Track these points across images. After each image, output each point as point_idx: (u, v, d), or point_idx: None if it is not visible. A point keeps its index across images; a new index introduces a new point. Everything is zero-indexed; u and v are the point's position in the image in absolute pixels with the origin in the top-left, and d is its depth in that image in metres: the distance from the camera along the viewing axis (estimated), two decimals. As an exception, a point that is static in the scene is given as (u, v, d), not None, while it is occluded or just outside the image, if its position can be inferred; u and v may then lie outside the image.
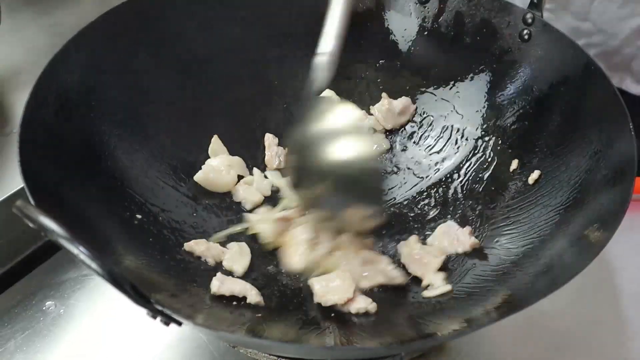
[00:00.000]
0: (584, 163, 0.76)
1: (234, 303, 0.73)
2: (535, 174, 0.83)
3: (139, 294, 0.54)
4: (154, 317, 0.57)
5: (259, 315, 0.72)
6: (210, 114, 0.92)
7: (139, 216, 0.77)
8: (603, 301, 0.86)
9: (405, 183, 0.94)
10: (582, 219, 0.70)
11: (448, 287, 0.77)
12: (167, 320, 0.57)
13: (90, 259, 0.52)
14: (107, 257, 0.63)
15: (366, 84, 1.00)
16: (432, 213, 0.89)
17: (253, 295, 0.74)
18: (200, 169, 0.88)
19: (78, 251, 0.51)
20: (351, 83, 1.00)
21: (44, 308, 0.83)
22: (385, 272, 0.79)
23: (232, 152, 0.93)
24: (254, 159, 0.94)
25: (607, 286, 0.88)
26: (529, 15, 0.88)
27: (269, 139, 0.95)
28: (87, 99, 0.79)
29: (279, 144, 0.95)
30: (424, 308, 0.75)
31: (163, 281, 0.71)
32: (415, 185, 0.93)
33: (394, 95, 0.98)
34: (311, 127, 0.82)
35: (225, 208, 0.88)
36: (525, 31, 0.88)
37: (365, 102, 1.00)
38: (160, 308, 0.56)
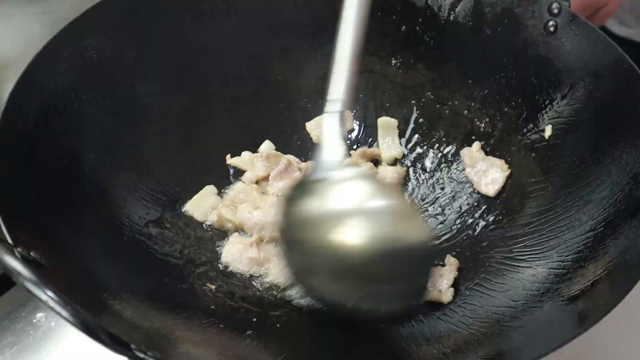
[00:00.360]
0: (616, 179, 0.71)
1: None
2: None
3: (117, 341, 0.51)
4: None
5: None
6: (209, 114, 0.89)
7: (124, 238, 0.75)
8: (632, 309, 0.78)
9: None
10: (612, 247, 0.66)
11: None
12: None
13: (60, 305, 0.49)
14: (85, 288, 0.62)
15: (378, 79, 0.95)
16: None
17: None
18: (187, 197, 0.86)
19: (47, 297, 0.49)
20: (362, 77, 0.94)
21: (34, 320, 0.80)
22: None
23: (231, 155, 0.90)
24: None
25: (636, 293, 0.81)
26: (554, 5, 0.82)
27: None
28: (71, 102, 0.77)
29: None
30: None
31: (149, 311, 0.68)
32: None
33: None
34: (330, 202, 0.70)
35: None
36: (550, 22, 0.82)
37: (376, 98, 0.95)
38: (141, 355, 0.52)
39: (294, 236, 0.70)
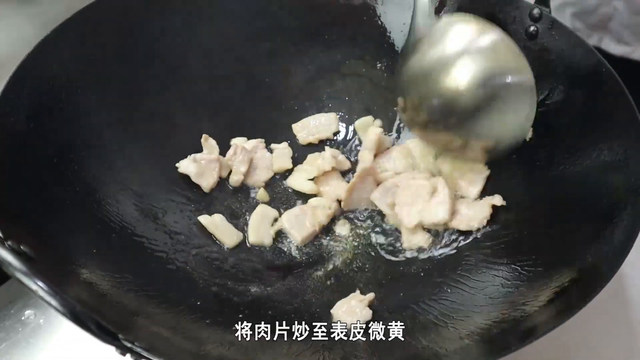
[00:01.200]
0: (594, 179, 0.72)
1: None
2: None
3: (105, 331, 0.52)
4: (124, 354, 0.54)
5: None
6: (196, 115, 0.89)
7: (113, 235, 0.74)
8: (613, 310, 0.83)
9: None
10: (590, 244, 0.67)
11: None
12: (138, 357, 0.54)
13: (50, 295, 0.49)
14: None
15: (363, 82, 0.96)
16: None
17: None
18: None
19: (37, 287, 0.49)
20: (347, 81, 0.96)
21: (22, 318, 0.80)
22: None
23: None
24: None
25: (617, 294, 0.84)
26: (535, 11, 0.83)
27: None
28: (61, 101, 0.77)
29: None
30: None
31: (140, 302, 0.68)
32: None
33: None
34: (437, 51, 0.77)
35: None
36: (531, 27, 0.84)
37: (362, 101, 0.96)
38: (129, 345, 0.53)
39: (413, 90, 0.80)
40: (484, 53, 0.75)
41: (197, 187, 0.86)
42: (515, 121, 0.76)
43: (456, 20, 0.79)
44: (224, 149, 0.90)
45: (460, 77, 0.75)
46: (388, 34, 0.93)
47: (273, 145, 0.91)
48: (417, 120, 0.82)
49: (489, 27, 0.76)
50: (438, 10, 0.89)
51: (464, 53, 0.75)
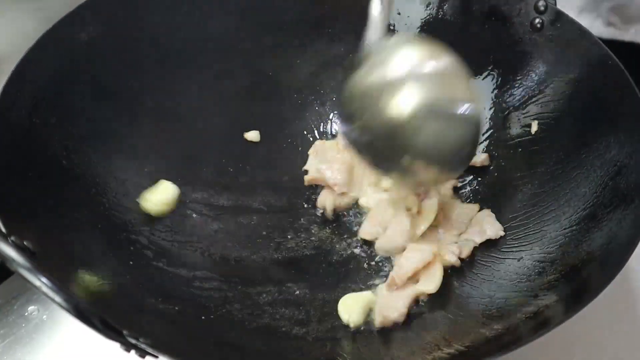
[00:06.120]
0: (600, 173, 0.71)
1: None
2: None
3: (110, 327, 0.52)
4: (128, 350, 0.53)
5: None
6: (199, 110, 0.88)
7: (117, 231, 0.74)
8: (617, 305, 0.82)
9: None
10: (596, 239, 0.66)
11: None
12: (142, 353, 0.54)
13: (54, 291, 0.49)
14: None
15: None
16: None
17: None
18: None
19: (40, 283, 0.49)
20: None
21: (26, 314, 0.80)
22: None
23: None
24: (246, 160, 0.89)
25: (622, 289, 0.84)
26: (541, 3, 0.83)
27: None
28: (64, 96, 0.76)
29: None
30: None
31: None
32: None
33: None
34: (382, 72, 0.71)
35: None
36: (537, 20, 0.83)
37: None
38: (133, 341, 0.53)
39: (353, 108, 0.73)
40: (428, 80, 0.71)
41: (194, 185, 0.85)
42: (458, 150, 0.72)
43: (404, 41, 0.75)
44: (228, 144, 0.89)
45: (402, 105, 0.70)
46: (392, 27, 0.92)
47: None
48: (359, 141, 0.75)
49: (436, 51, 0.73)
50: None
51: (408, 79, 0.70)
